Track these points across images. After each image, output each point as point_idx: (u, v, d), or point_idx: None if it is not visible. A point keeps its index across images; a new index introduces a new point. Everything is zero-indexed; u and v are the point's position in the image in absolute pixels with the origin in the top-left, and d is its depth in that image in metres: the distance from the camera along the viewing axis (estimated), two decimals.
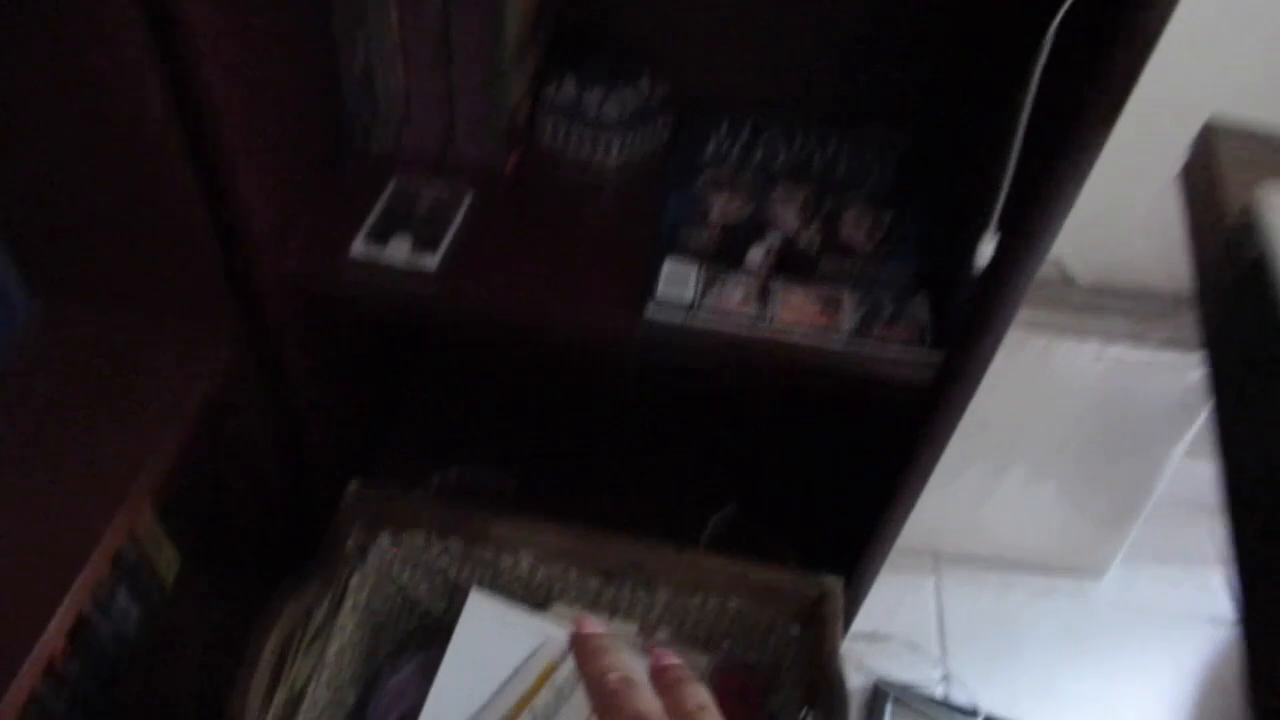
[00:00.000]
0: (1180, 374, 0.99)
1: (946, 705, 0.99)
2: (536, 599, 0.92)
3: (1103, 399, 1.03)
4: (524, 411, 1.13)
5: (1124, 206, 0.91)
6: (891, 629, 1.00)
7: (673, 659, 0.44)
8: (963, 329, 0.67)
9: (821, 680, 0.77)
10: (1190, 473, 1.12)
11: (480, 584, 0.91)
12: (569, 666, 0.88)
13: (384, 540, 0.88)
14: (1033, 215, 0.55)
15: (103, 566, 0.61)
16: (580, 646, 0.46)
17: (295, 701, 0.80)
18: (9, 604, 0.58)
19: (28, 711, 0.79)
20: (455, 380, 1.18)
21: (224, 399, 0.77)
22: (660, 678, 0.44)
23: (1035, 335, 0.98)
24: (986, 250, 0.63)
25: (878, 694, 0.99)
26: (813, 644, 0.83)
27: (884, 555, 0.89)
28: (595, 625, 0.46)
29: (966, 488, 1.12)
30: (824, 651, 0.78)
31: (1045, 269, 0.66)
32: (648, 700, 0.42)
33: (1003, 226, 0.60)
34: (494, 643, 0.89)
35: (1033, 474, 1.12)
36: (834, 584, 0.83)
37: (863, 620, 0.92)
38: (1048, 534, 1.15)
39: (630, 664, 0.43)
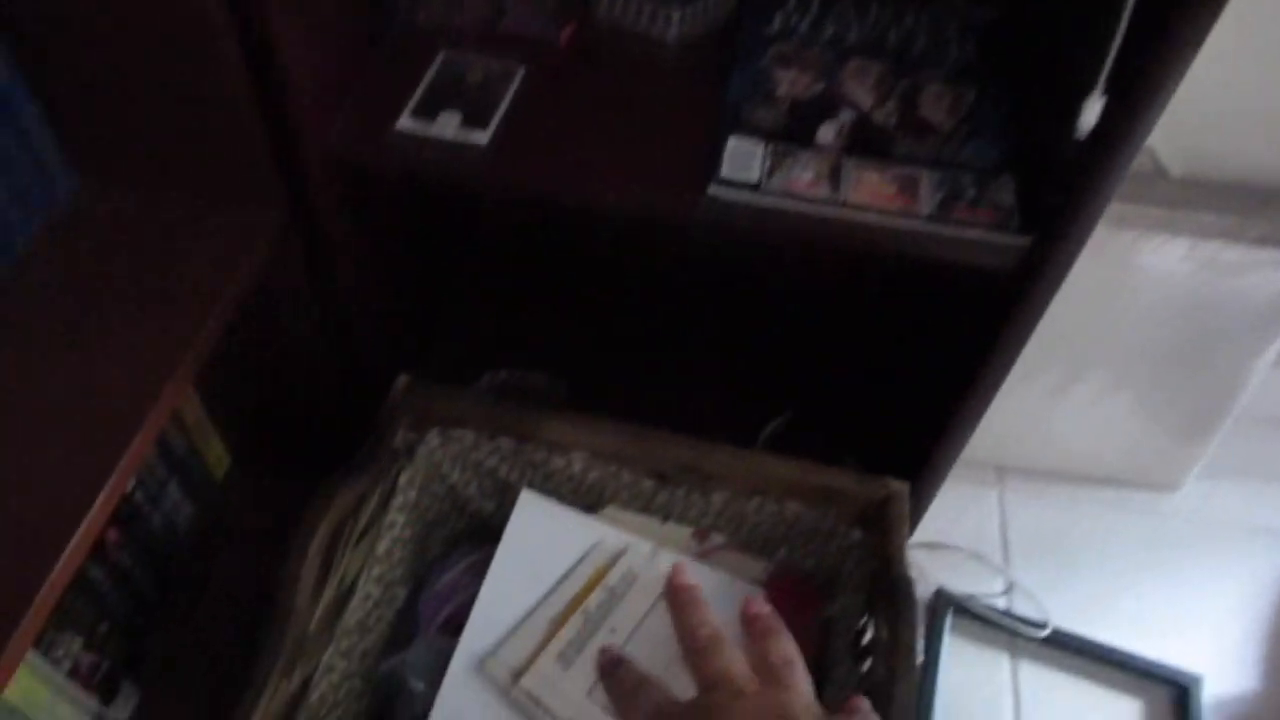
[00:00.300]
0: (1275, 273, 0.92)
1: (1010, 616, 0.96)
2: (588, 501, 0.90)
3: (1188, 302, 0.97)
4: (574, 315, 1.10)
5: (1225, 90, 0.84)
6: (953, 540, 0.96)
7: (764, 607, 0.46)
8: (1056, 209, 0.62)
9: (886, 586, 0.74)
10: (1277, 384, 1.06)
11: (531, 485, 0.89)
12: (622, 568, 0.86)
13: (432, 438, 0.85)
14: (1152, 66, 0.50)
15: (147, 446, 0.59)
16: (675, 596, 0.48)
17: (345, 595, 0.79)
18: (54, 482, 0.57)
19: (80, 594, 0.79)
20: (505, 282, 1.15)
21: (269, 281, 0.74)
22: (751, 624, 0.47)
23: (1120, 231, 0.92)
24: (1086, 120, 0.57)
25: (938, 603, 0.96)
26: (875, 549, 0.80)
27: (952, 459, 0.85)
28: (691, 576, 0.49)
29: (1034, 398, 1.07)
30: (889, 556, 0.75)
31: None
32: (735, 660, 0.44)
33: (1110, 89, 0.54)
34: (545, 543, 0.87)
35: (1106, 383, 1.06)
36: (899, 487, 0.79)
37: (922, 531, 0.88)
38: (1120, 446, 1.10)
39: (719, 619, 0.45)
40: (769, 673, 0.43)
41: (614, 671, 0.49)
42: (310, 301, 0.84)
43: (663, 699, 0.45)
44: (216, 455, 1.02)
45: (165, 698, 0.89)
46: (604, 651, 0.51)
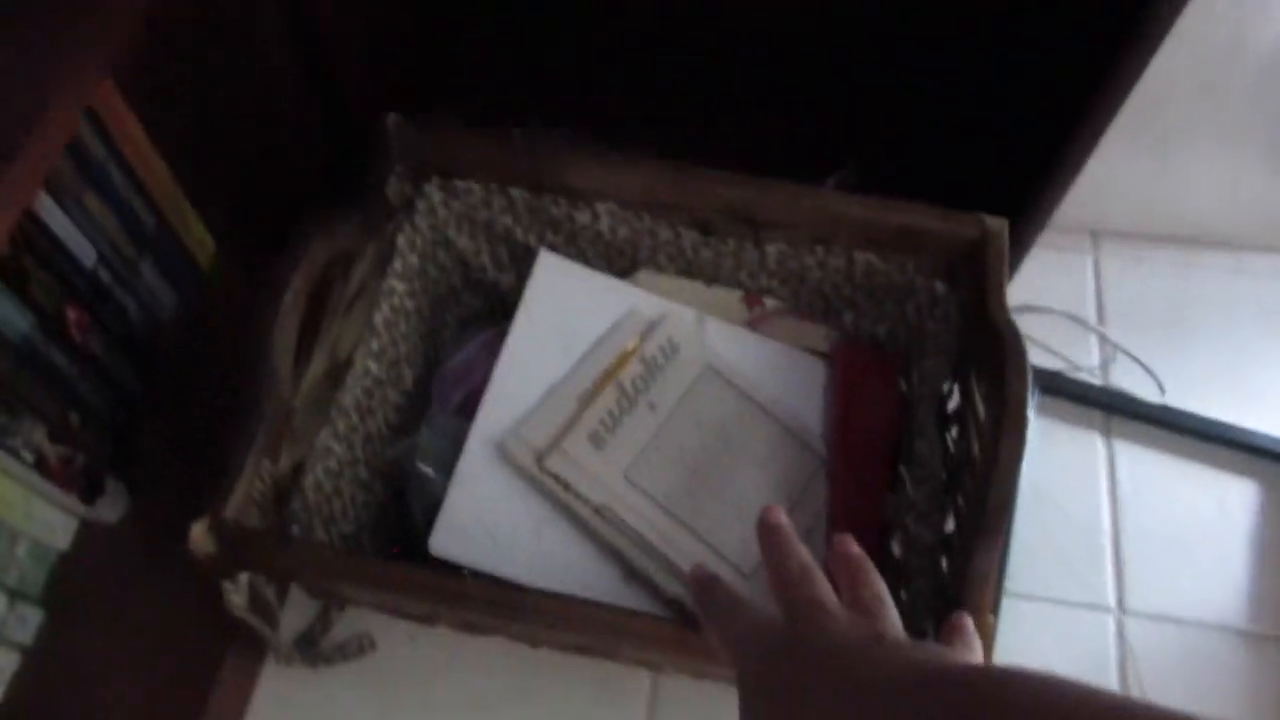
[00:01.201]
0: None
1: (1108, 392, 0.84)
2: (619, 264, 0.77)
3: None
4: (599, 56, 0.94)
5: None
6: (1045, 304, 0.83)
7: (854, 547, 0.47)
8: None
9: (984, 339, 0.61)
10: None
11: (551, 249, 0.76)
12: (661, 338, 0.73)
13: (432, 191, 0.72)
14: None
15: (53, 155, 0.47)
16: (765, 534, 0.48)
17: (340, 372, 0.68)
18: None
19: (38, 378, 0.69)
20: (516, 21, 0.98)
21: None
22: (840, 563, 0.46)
23: None
24: None
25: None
26: (965, 303, 0.67)
27: (1055, 202, 0.71)
28: (782, 516, 0.49)
29: (1136, 149, 0.91)
30: (986, 305, 0.62)
31: None
32: (827, 589, 0.44)
33: None
34: (570, 310, 0.74)
35: (1224, 134, 0.89)
36: (997, 224, 0.65)
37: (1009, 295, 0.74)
38: (1239, 204, 0.94)
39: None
40: (860, 607, 0.43)
41: (708, 589, 0.48)
42: (281, 27, 0.69)
43: (757, 618, 0.44)
44: (198, 238, 0.90)
45: (157, 499, 0.80)
46: (696, 568, 0.50)
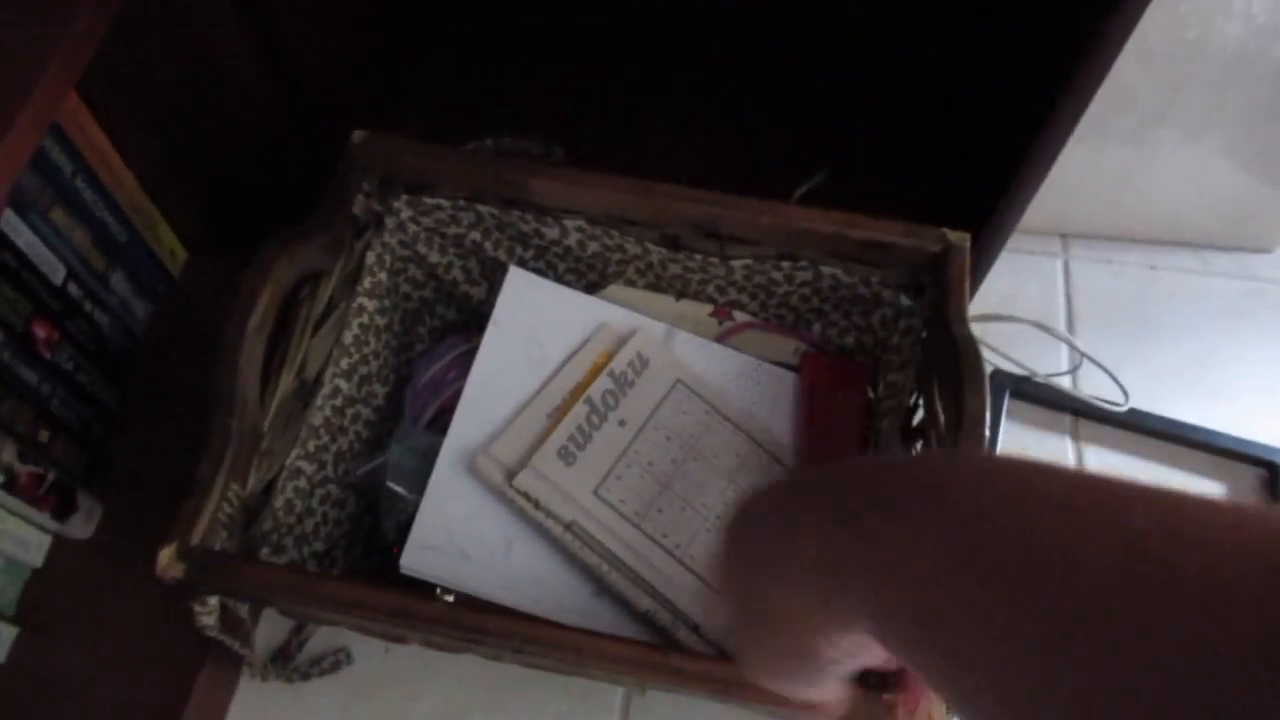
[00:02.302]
0: None
1: (1075, 397, 0.85)
2: (589, 279, 0.77)
3: None
4: (571, 67, 0.94)
5: None
6: (1013, 313, 0.84)
7: None
8: None
9: (945, 353, 0.62)
10: None
11: (521, 264, 0.76)
12: (630, 353, 0.74)
13: (401, 207, 0.72)
14: None
15: (16, 172, 0.46)
16: None
17: (310, 389, 0.68)
18: None
19: (6, 395, 0.68)
20: (487, 30, 0.98)
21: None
22: None
23: None
24: None
25: (994, 385, 0.84)
26: (929, 316, 0.67)
27: (1020, 210, 0.71)
28: None
29: (1104, 150, 0.92)
30: (948, 319, 0.63)
31: None
32: None
33: None
34: (540, 326, 0.75)
35: (1188, 132, 0.90)
36: (959, 238, 0.66)
37: (976, 304, 0.75)
38: (1205, 204, 0.95)
39: None
40: None
41: None
42: (248, 40, 0.69)
43: None
44: (169, 247, 0.90)
45: (132, 514, 0.80)
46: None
